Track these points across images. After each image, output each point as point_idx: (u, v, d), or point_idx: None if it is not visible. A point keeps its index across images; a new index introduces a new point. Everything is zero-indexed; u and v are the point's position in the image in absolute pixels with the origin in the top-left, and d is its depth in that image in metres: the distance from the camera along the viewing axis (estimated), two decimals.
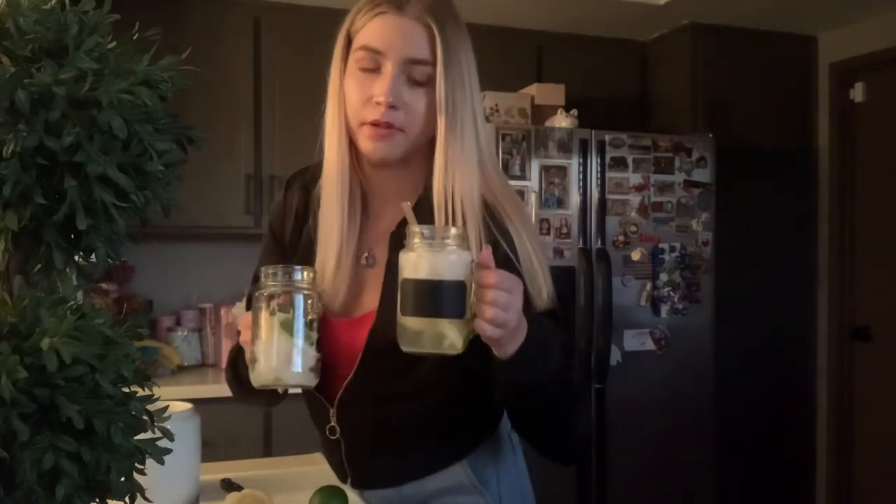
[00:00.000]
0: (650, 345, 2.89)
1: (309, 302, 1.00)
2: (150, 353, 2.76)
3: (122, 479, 0.68)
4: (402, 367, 1.09)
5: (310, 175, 1.25)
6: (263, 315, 0.99)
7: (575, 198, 2.82)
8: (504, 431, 1.23)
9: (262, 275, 1.02)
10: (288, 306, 0.98)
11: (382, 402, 1.17)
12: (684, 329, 2.94)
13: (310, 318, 1.00)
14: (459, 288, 0.91)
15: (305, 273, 1.01)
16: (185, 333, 3.00)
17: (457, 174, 1.11)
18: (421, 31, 1.15)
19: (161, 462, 0.71)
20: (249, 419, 2.67)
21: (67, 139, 0.65)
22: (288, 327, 0.98)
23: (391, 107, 1.09)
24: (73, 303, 0.69)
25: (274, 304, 0.98)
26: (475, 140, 1.14)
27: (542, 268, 1.11)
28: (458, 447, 1.18)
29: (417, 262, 0.92)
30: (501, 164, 2.73)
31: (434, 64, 1.13)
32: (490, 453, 1.20)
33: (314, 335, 1.01)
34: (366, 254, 1.18)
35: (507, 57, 3.22)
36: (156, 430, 0.72)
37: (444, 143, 1.11)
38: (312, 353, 1.01)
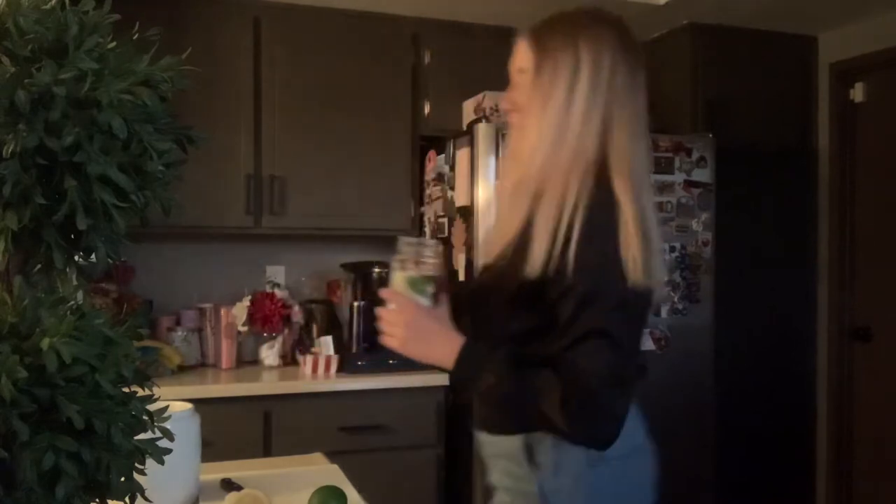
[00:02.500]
0: (650, 345, 2.89)
1: (424, 265, 1.30)
2: (150, 353, 2.76)
3: (122, 479, 0.68)
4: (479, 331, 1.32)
5: None
6: (396, 273, 1.30)
7: None
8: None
9: (400, 243, 1.31)
10: (411, 267, 1.30)
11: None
12: (684, 329, 2.94)
13: (424, 276, 1.29)
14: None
15: (425, 244, 1.32)
16: (185, 333, 3.00)
17: (524, 156, 1.29)
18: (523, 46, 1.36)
19: (161, 462, 0.71)
20: (249, 419, 2.67)
21: (67, 139, 0.65)
22: (409, 282, 1.29)
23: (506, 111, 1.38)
24: (73, 303, 0.69)
25: (403, 265, 1.30)
26: (538, 129, 1.27)
27: (543, 238, 1.19)
28: (513, 420, 1.29)
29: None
30: (501, 165, 2.73)
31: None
32: (553, 444, 1.25)
33: (429, 289, 1.30)
34: None
35: (507, 57, 3.21)
36: (156, 430, 0.72)
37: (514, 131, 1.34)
38: (426, 303, 1.30)
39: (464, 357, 1.25)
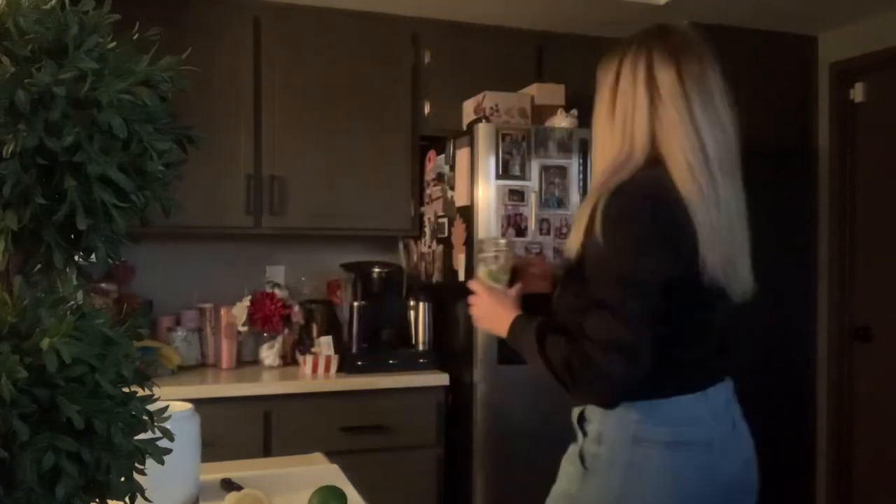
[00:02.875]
0: None
1: (500, 260, 1.62)
2: (150, 353, 2.76)
3: (122, 479, 0.69)
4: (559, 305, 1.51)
5: None
6: (479, 266, 1.64)
7: (575, 198, 2.82)
8: (629, 424, 1.37)
9: (483, 242, 1.68)
10: (491, 262, 1.62)
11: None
12: None
13: (501, 267, 1.61)
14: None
15: (501, 243, 1.64)
16: (185, 333, 3.00)
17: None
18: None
19: (161, 462, 0.71)
20: (249, 419, 2.67)
21: (67, 139, 0.65)
22: (488, 274, 1.61)
23: None
24: (73, 303, 0.69)
25: (485, 261, 1.63)
26: (599, 136, 1.47)
27: (578, 225, 1.38)
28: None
29: None
30: (501, 164, 2.73)
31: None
32: (601, 416, 1.40)
33: (504, 278, 1.61)
34: None
35: (507, 57, 3.22)
36: (156, 430, 0.72)
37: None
38: (501, 289, 1.60)
39: (512, 328, 1.52)
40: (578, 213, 1.40)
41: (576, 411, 1.48)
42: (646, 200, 1.32)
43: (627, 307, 1.29)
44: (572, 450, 1.49)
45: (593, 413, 1.42)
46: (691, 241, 1.31)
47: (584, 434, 1.43)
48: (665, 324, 1.31)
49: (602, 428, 1.39)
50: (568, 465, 1.49)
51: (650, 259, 1.30)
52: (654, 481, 1.34)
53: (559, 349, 1.37)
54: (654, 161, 1.36)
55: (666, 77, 1.40)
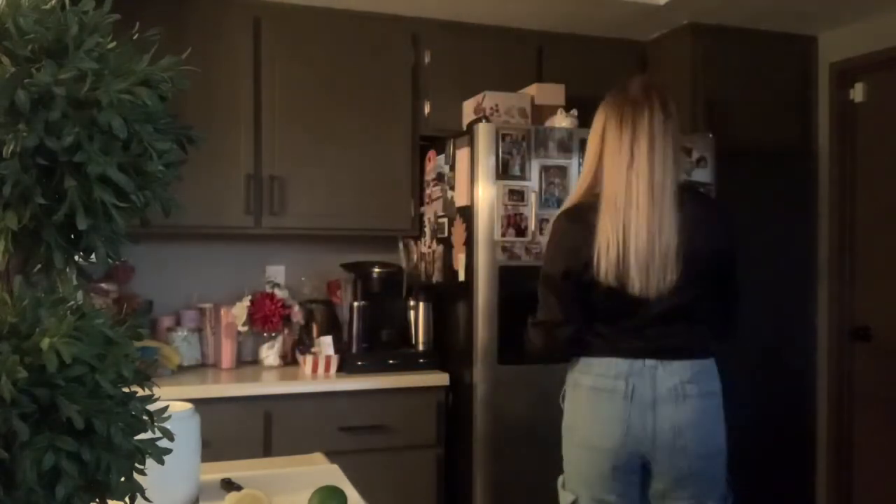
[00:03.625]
0: None
1: None
2: (150, 353, 2.76)
3: (122, 479, 0.68)
4: None
5: None
6: None
7: None
8: (571, 374, 1.99)
9: None
10: None
11: None
12: None
13: None
14: None
15: None
16: (185, 333, 3.00)
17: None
18: None
19: (161, 462, 0.71)
20: (249, 419, 2.67)
21: (67, 139, 0.65)
22: None
23: None
24: (73, 303, 0.69)
25: None
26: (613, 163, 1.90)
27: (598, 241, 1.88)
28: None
29: None
30: (501, 164, 2.73)
31: None
32: (568, 369, 2.00)
33: None
34: None
35: (507, 57, 3.22)
36: (156, 430, 0.72)
37: None
38: None
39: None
40: None
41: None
42: (561, 220, 1.98)
43: (542, 299, 1.95)
44: None
45: (569, 367, 1.99)
46: (590, 249, 1.85)
47: (564, 383, 2.01)
48: (581, 305, 1.89)
49: (566, 376, 2.00)
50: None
51: (554, 260, 1.95)
52: (582, 414, 1.93)
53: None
54: (595, 194, 1.90)
55: (611, 127, 1.89)
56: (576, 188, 2.00)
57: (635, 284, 1.83)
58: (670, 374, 1.85)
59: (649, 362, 1.86)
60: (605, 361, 1.88)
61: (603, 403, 1.87)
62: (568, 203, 1.99)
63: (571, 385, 1.95)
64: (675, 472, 1.87)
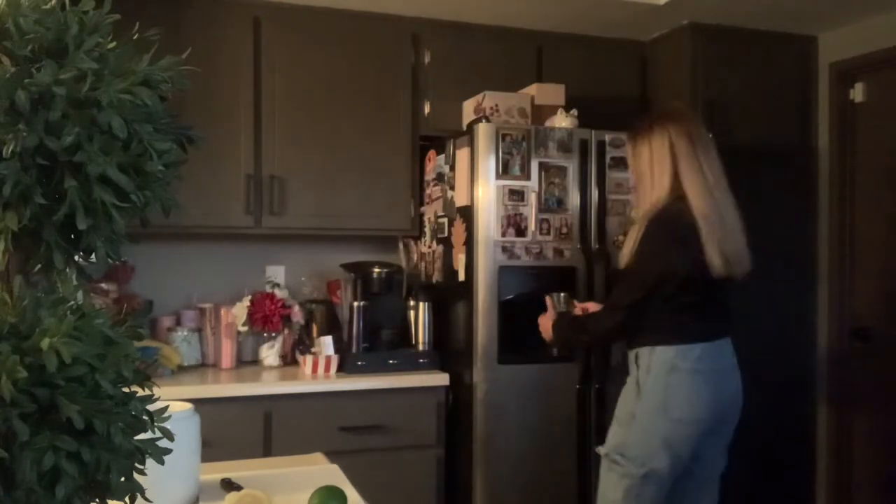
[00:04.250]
0: None
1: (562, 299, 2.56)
2: (150, 353, 2.76)
3: (122, 479, 0.68)
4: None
5: None
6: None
7: (575, 198, 2.82)
8: (668, 359, 2.20)
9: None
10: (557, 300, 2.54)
11: None
12: None
13: (567, 305, 2.55)
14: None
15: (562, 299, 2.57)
16: (185, 333, 3.00)
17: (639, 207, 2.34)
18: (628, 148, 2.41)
19: (161, 462, 0.71)
20: (249, 419, 2.67)
21: (67, 139, 0.65)
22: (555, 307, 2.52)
23: None
24: (73, 303, 0.69)
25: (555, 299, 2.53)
26: (640, 193, 2.31)
27: (627, 245, 2.24)
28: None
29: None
30: (502, 164, 2.73)
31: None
32: (648, 354, 2.24)
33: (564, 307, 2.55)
34: None
35: (507, 57, 3.22)
36: (156, 430, 0.72)
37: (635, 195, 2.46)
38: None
39: (555, 329, 2.47)
40: (628, 238, 2.26)
41: (631, 353, 2.28)
42: (665, 223, 2.20)
43: (631, 282, 2.23)
44: (630, 381, 2.29)
45: (643, 353, 2.23)
46: (698, 244, 2.14)
47: (638, 367, 2.23)
48: (683, 298, 2.18)
49: (649, 363, 2.20)
50: (627, 394, 2.29)
51: (664, 258, 2.20)
52: (685, 394, 2.16)
53: (581, 323, 2.44)
54: (679, 197, 2.18)
55: (681, 144, 2.21)
56: (649, 198, 2.24)
57: (738, 271, 2.21)
58: (730, 349, 2.30)
59: (724, 341, 2.27)
60: (699, 346, 2.19)
61: (700, 383, 2.17)
62: (658, 206, 2.20)
63: (667, 369, 2.17)
64: (733, 426, 2.34)
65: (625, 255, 2.24)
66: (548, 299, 2.54)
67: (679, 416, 2.17)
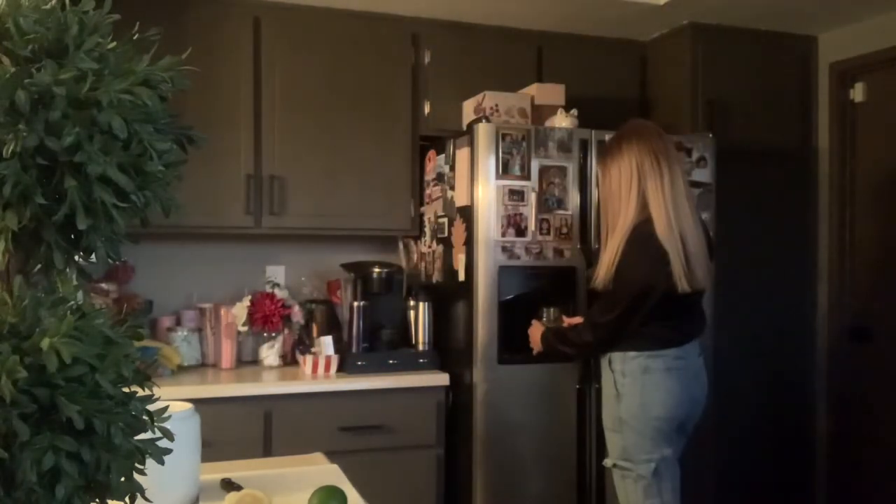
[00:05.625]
0: None
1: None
2: (150, 353, 2.76)
3: (122, 479, 0.68)
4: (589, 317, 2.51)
5: None
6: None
7: (575, 198, 2.82)
8: (641, 362, 2.33)
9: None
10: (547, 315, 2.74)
11: None
12: None
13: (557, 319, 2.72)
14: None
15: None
16: (185, 333, 3.00)
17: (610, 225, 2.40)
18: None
19: (161, 462, 0.71)
20: (249, 419, 2.67)
21: (67, 139, 0.65)
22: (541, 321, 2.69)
23: None
24: (73, 303, 0.69)
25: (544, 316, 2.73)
26: (610, 210, 2.39)
27: (604, 264, 2.34)
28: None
29: None
30: (502, 164, 2.73)
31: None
32: (621, 359, 2.35)
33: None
34: None
35: (507, 57, 3.22)
36: (156, 430, 0.72)
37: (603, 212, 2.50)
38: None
39: (542, 339, 2.57)
40: (603, 256, 2.35)
41: (604, 359, 2.38)
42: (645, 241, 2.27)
43: (605, 312, 2.35)
44: (607, 387, 2.37)
45: (616, 358, 2.34)
46: (665, 262, 2.24)
47: (612, 371, 2.34)
48: (654, 311, 2.27)
49: (624, 367, 2.32)
50: (608, 400, 2.37)
51: (643, 274, 2.29)
52: (660, 392, 2.28)
53: (563, 334, 2.53)
54: (647, 219, 2.27)
55: (646, 163, 2.29)
56: (620, 218, 2.32)
57: (697, 285, 2.30)
58: (697, 350, 2.40)
59: (692, 343, 2.37)
60: (671, 350, 2.31)
61: (673, 381, 2.29)
62: (629, 226, 2.29)
63: (641, 370, 2.29)
64: (694, 424, 2.42)
65: (599, 276, 2.33)
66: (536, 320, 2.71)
67: (657, 413, 2.29)
